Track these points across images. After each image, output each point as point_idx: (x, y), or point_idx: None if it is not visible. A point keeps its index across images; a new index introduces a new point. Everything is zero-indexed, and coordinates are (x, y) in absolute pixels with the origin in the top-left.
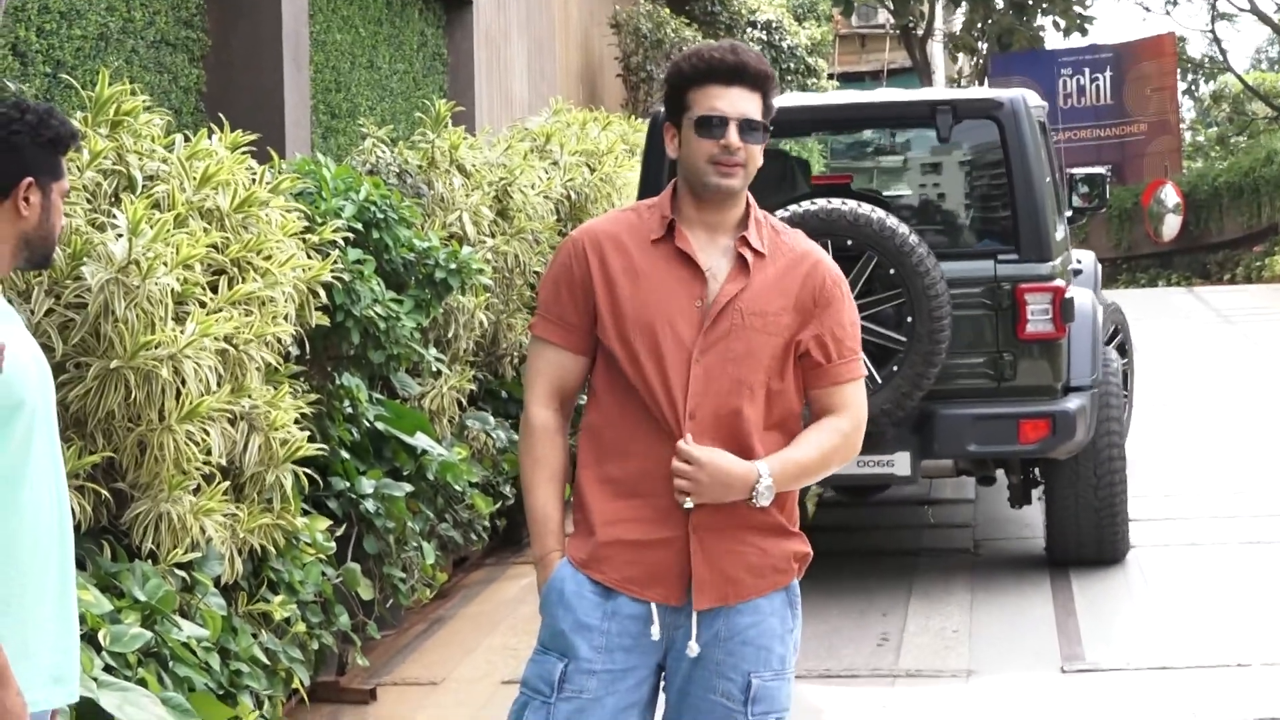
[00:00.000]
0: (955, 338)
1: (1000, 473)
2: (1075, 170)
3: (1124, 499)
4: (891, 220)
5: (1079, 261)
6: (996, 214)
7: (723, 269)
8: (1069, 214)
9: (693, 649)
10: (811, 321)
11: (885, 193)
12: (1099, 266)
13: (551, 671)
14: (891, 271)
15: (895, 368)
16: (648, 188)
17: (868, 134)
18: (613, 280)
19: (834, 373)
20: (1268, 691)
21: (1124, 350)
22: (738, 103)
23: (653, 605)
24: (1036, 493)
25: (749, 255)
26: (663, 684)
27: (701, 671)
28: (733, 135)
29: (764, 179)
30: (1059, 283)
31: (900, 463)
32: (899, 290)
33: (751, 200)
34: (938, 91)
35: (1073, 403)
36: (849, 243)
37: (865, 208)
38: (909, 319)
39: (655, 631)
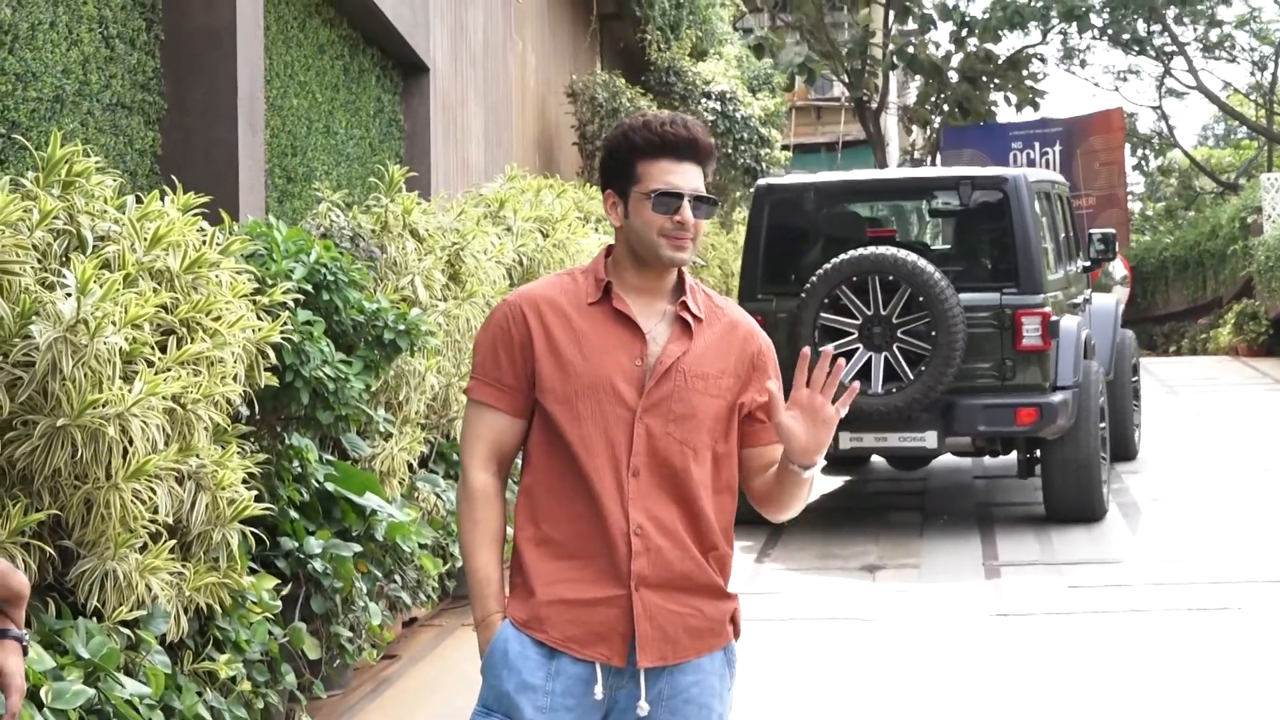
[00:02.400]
0: (970, 348)
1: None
2: (1093, 230)
3: (1098, 473)
4: (922, 262)
5: (1088, 300)
6: (1003, 259)
7: (661, 331)
8: (1086, 263)
9: (643, 708)
10: (751, 385)
11: (922, 242)
12: (1120, 307)
13: None
14: (921, 299)
15: (922, 369)
16: (751, 253)
17: (909, 200)
18: (555, 342)
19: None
20: None
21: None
22: (690, 178)
23: (596, 665)
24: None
25: (689, 319)
26: None
27: None
28: (687, 212)
29: (836, 231)
30: (1048, 309)
31: (930, 439)
32: (926, 313)
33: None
34: (962, 170)
35: (1057, 397)
36: (890, 278)
37: (903, 253)
38: (933, 333)
39: (599, 691)
